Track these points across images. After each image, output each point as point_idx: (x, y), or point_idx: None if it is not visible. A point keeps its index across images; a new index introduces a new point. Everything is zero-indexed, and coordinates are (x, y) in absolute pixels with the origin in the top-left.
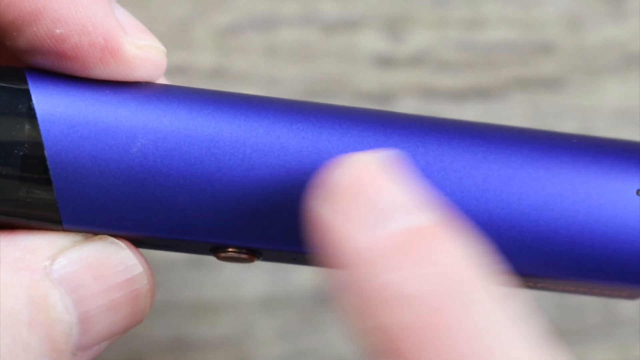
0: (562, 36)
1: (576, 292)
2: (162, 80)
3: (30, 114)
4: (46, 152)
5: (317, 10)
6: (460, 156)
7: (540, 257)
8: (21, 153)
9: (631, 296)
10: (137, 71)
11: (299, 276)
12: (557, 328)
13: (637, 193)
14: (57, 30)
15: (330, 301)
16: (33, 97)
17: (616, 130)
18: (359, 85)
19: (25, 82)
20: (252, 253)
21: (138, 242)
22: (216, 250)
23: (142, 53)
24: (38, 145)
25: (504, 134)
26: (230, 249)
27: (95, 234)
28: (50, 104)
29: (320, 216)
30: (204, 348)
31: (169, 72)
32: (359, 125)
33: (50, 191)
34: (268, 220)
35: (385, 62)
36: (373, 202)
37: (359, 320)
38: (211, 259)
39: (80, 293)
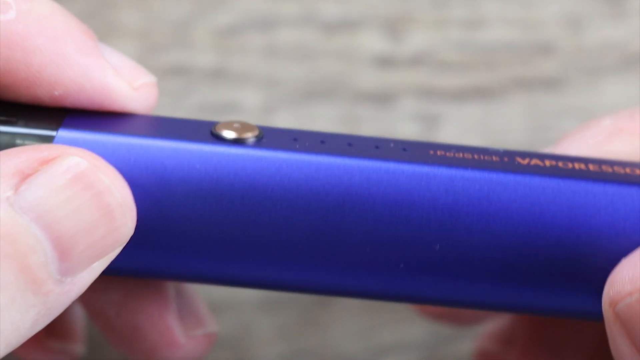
0: (562, 36)
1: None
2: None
3: None
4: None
5: (317, 11)
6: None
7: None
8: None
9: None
10: (133, 109)
11: None
12: None
13: None
14: (56, 92)
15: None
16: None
17: None
18: (358, 86)
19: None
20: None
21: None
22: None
23: (138, 94)
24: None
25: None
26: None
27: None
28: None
29: None
30: None
31: (169, 72)
32: None
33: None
34: None
35: (385, 62)
36: None
37: None
38: None
39: (48, 218)
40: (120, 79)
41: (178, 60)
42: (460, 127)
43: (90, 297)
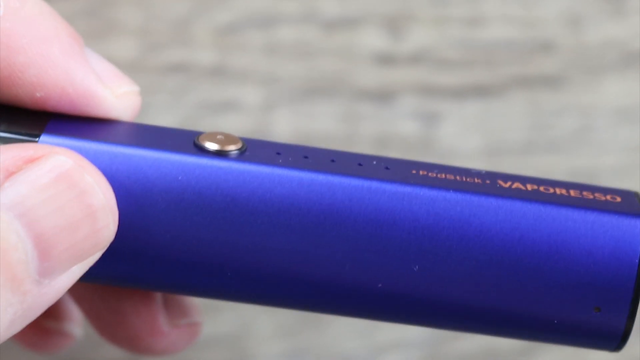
0: (562, 34)
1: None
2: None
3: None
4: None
5: (317, 8)
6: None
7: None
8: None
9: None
10: (115, 116)
11: None
12: None
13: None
14: (38, 94)
15: None
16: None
17: (616, 128)
18: (359, 83)
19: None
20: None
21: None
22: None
23: (121, 102)
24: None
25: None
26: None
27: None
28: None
29: None
30: (204, 346)
31: (169, 70)
32: None
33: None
34: None
35: (385, 60)
36: None
37: None
38: None
39: (30, 216)
40: (103, 85)
41: (178, 57)
42: (460, 125)
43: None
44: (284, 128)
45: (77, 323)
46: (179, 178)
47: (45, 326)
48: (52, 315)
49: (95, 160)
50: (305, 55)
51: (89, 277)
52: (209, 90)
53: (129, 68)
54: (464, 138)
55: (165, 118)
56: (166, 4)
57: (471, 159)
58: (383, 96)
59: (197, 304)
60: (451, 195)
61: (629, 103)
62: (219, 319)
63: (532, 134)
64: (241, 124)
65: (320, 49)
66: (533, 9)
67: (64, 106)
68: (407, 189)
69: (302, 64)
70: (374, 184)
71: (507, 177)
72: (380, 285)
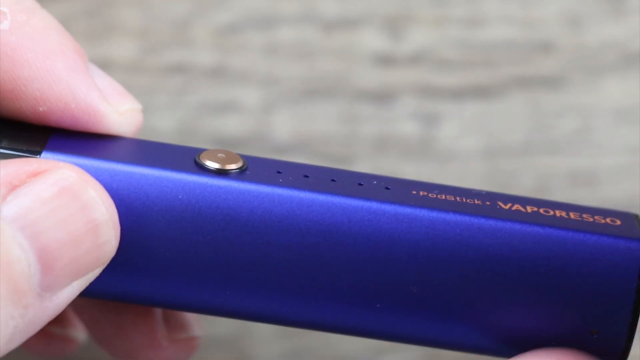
0: (562, 35)
1: None
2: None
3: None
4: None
5: (316, 9)
6: None
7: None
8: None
9: None
10: (117, 133)
11: None
12: None
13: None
14: (40, 108)
15: None
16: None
17: (615, 129)
18: (358, 84)
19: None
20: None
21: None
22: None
23: (123, 119)
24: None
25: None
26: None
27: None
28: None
29: None
30: (204, 346)
31: (169, 70)
32: None
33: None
34: None
35: (385, 60)
36: None
37: None
38: None
39: (34, 228)
40: (105, 101)
41: (178, 58)
42: (460, 126)
43: None
44: (284, 129)
45: (80, 328)
46: (180, 197)
47: (49, 331)
48: (56, 320)
49: (97, 177)
50: (305, 56)
51: (88, 293)
52: (208, 90)
53: (129, 69)
54: (463, 139)
55: (165, 119)
56: (166, 4)
57: (471, 159)
58: (383, 97)
59: (196, 317)
60: (451, 217)
61: (628, 103)
62: (219, 319)
63: (531, 134)
64: (241, 125)
65: (320, 50)
66: (533, 9)
67: (66, 121)
68: (407, 211)
69: (302, 65)
70: (374, 205)
71: (507, 198)
72: (378, 305)
